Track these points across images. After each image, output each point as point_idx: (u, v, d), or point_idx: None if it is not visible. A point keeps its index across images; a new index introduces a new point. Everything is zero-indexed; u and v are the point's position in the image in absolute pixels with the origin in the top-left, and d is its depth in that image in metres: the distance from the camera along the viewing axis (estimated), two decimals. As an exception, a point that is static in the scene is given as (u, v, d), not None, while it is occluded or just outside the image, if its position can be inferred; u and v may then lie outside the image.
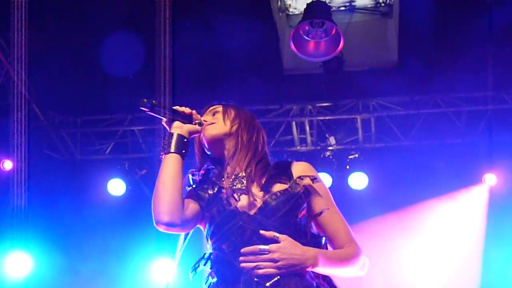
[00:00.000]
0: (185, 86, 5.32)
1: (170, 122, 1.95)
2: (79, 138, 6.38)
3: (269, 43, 5.85)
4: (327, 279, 1.95)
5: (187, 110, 1.98)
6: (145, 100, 1.88)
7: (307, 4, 5.24)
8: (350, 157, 6.07)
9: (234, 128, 2.04)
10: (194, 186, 2.03)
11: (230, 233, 1.87)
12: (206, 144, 2.02)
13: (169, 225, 1.88)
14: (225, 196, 1.93)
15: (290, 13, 5.81)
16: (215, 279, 1.86)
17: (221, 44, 5.36)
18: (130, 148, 6.30)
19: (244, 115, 2.11)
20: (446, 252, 5.76)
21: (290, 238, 1.81)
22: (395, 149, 5.98)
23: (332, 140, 6.13)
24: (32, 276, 5.46)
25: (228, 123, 2.03)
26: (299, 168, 1.98)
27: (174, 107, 1.96)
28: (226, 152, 2.02)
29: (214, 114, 2.09)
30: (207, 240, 1.97)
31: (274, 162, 2.09)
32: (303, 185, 1.91)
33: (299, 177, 1.93)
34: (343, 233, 1.94)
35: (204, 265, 1.91)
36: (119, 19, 5.32)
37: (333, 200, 1.99)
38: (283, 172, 1.97)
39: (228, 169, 2.00)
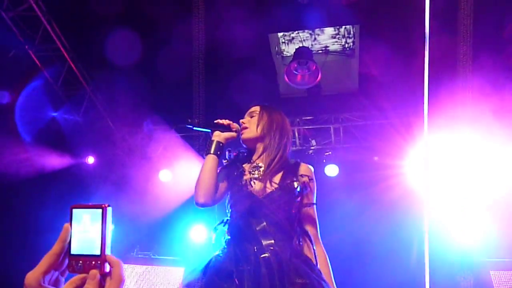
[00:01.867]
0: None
1: (212, 132, 2.13)
2: (139, 141, 6.86)
3: (270, 76, 6.46)
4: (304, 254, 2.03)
5: (226, 122, 2.13)
6: (189, 120, 2.09)
7: (296, 49, 5.93)
8: (325, 154, 6.54)
9: (265, 132, 2.12)
10: (227, 161, 2.17)
11: (244, 209, 2.01)
12: (242, 143, 2.20)
13: (203, 205, 2.04)
14: (244, 180, 2.06)
15: (284, 55, 6.43)
16: (229, 237, 2.05)
17: (238, 78, 5.66)
18: (175, 149, 6.58)
19: (276, 119, 2.15)
20: (391, 222, 5.82)
21: None
22: (357, 148, 6.42)
23: (313, 142, 6.56)
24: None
25: (259, 128, 2.12)
26: (302, 169, 2.11)
27: (215, 121, 2.11)
28: (257, 148, 2.17)
29: (252, 116, 2.19)
30: (227, 207, 2.10)
31: (290, 160, 2.15)
32: (302, 182, 2.05)
33: (301, 175, 2.08)
34: (314, 226, 2.09)
35: (223, 226, 2.08)
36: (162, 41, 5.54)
37: (315, 199, 2.08)
38: (292, 170, 2.10)
39: (254, 157, 2.15)
